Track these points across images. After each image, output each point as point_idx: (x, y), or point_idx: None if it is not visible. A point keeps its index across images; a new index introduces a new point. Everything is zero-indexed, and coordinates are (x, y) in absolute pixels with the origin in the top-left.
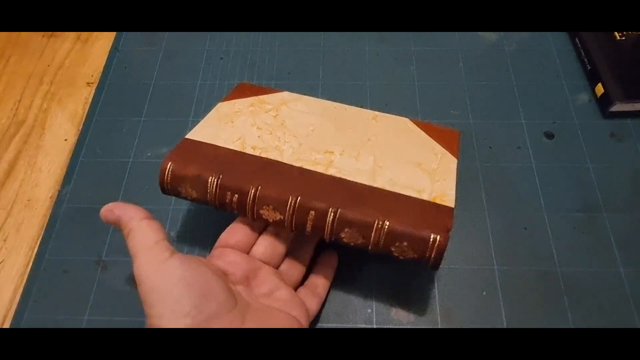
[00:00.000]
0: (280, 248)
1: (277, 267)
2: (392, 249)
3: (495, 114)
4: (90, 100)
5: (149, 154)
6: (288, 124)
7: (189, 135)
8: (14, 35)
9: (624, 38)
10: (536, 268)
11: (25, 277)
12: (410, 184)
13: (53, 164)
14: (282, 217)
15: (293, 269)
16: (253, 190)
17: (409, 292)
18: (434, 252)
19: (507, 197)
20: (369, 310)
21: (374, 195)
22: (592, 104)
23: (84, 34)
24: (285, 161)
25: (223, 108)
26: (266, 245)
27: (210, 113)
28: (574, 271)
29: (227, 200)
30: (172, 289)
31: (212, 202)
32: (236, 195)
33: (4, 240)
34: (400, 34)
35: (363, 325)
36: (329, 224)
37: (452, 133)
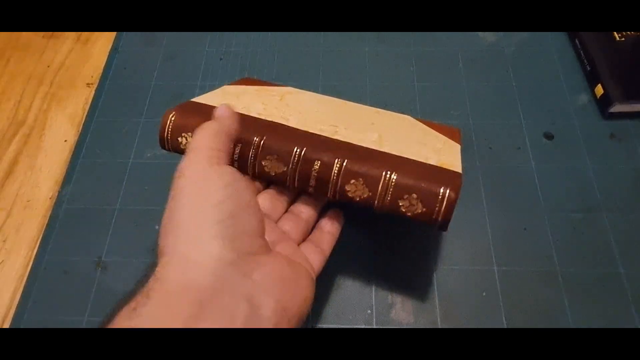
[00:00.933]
0: (282, 202)
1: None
2: (400, 204)
3: (495, 115)
4: (90, 101)
5: (148, 154)
6: (292, 105)
7: (194, 99)
8: (14, 36)
9: (623, 39)
10: (536, 268)
11: (25, 277)
12: (417, 154)
13: (53, 165)
14: (285, 170)
15: (297, 226)
16: (257, 139)
17: (409, 292)
18: (444, 207)
19: (507, 197)
20: (369, 311)
21: (381, 155)
22: (592, 105)
23: (84, 35)
24: (290, 125)
25: (229, 88)
26: (269, 199)
27: (214, 90)
28: (574, 271)
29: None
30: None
31: None
32: (239, 146)
33: (4, 240)
34: (400, 35)
35: (363, 326)
36: (334, 176)
37: (453, 129)
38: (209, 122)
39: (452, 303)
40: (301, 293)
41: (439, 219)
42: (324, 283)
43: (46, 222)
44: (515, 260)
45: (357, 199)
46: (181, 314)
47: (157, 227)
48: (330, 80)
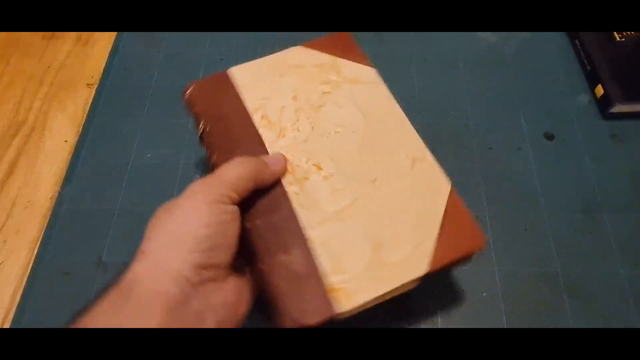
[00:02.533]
0: None
1: None
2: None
3: (495, 115)
4: (90, 101)
5: (148, 155)
6: (322, 111)
7: (232, 69)
8: (14, 36)
9: (623, 39)
10: (536, 269)
11: (25, 278)
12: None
13: (53, 165)
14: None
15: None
16: (215, 158)
17: (409, 293)
18: None
19: (507, 198)
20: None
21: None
22: (592, 105)
23: (84, 36)
24: (269, 148)
25: (291, 54)
26: None
27: (278, 53)
28: (575, 272)
29: (205, 146)
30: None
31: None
32: (209, 154)
33: (4, 241)
34: (400, 35)
35: (363, 326)
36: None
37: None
38: (249, 163)
39: (452, 303)
40: (239, 313)
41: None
42: None
43: (46, 222)
44: (515, 261)
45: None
46: (155, 318)
47: None
48: None
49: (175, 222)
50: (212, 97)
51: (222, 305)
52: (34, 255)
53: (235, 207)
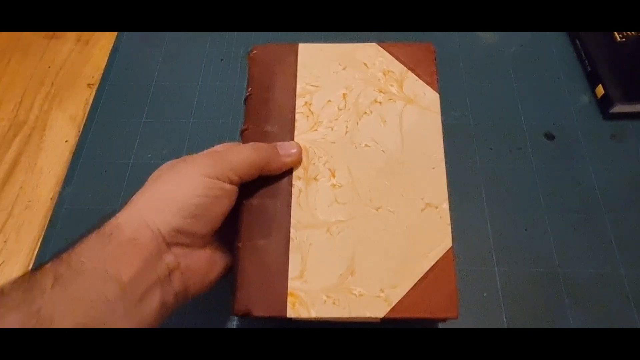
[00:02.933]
0: None
1: None
2: None
3: (496, 115)
4: (90, 101)
5: (149, 155)
6: (364, 119)
7: (301, 45)
8: (15, 36)
9: (624, 39)
10: (537, 269)
11: None
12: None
13: (53, 166)
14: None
15: None
16: (244, 125)
17: None
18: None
19: (508, 198)
20: None
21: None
22: (593, 106)
23: (85, 36)
24: (296, 136)
25: (364, 50)
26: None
27: (352, 44)
28: (575, 272)
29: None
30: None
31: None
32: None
33: (5, 241)
34: (401, 35)
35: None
36: None
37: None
38: (260, 152)
39: None
40: (206, 281)
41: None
42: None
43: (47, 222)
44: (516, 261)
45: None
46: (131, 264)
47: None
48: None
49: (170, 183)
50: (271, 65)
51: (190, 269)
52: (34, 256)
53: (233, 187)
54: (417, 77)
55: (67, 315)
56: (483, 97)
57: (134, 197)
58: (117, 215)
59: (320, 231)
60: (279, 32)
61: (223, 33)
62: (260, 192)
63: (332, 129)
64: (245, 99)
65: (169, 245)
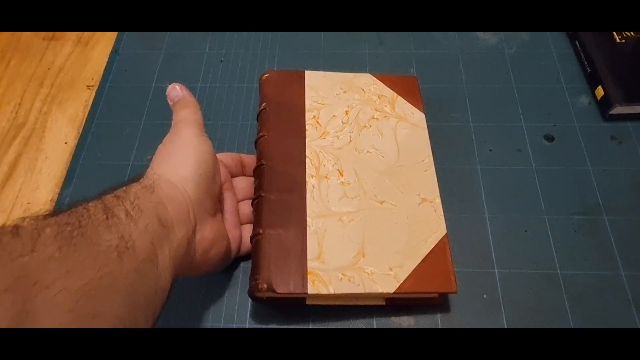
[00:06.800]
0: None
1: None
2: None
3: (496, 117)
4: (90, 103)
5: (149, 157)
6: (365, 132)
7: (307, 71)
8: (14, 38)
9: (624, 41)
10: (537, 271)
11: None
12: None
13: (53, 167)
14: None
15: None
16: (262, 132)
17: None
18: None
19: (508, 199)
20: (370, 313)
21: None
22: (592, 107)
23: (84, 37)
24: (308, 143)
25: (361, 79)
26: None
27: (351, 74)
28: (575, 274)
29: (258, 122)
30: (198, 159)
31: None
32: (259, 128)
33: None
34: (400, 36)
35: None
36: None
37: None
38: (192, 98)
39: (452, 305)
40: (207, 256)
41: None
42: None
43: None
44: (516, 263)
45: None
46: (173, 210)
47: None
48: None
49: (180, 148)
50: (282, 86)
51: (207, 240)
52: None
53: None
54: (405, 101)
55: (142, 241)
56: (483, 97)
57: (153, 163)
58: (153, 168)
59: (333, 220)
60: (279, 32)
61: (223, 34)
62: (279, 188)
63: (337, 138)
64: (259, 113)
65: (192, 203)
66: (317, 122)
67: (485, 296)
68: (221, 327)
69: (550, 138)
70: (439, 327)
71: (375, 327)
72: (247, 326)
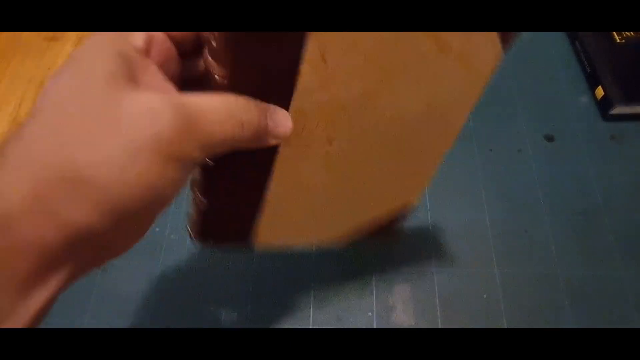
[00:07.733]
0: None
1: None
2: None
3: (495, 117)
4: None
5: None
6: (394, 79)
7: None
8: (15, 38)
9: (624, 41)
10: (537, 271)
11: None
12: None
13: None
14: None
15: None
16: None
17: (410, 295)
18: None
19: (508, 199)
20: (369, 314)
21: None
22: (592, 107)
23: (85, 37)
24: (295, 97)
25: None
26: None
27: None
28: (575, 274)
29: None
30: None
31: None
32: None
33: None
34: None
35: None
36: None
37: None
38: (249, 121)
39: (453, 306)
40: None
41: None
42: (324, 286)
43: None
44: (516, 263)
45: None
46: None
47: (157, 229)
48: None
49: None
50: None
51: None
52: None
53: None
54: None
55: None
56: (483, 98)
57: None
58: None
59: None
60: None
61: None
62: (232, 172)
63: (345, 87)
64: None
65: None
66: (323, 58)
67: (485, 296)
68: (221, 326)
69: (550, 138)
70: (439, 327)
71: (375, 327)
72: (246, 326)
